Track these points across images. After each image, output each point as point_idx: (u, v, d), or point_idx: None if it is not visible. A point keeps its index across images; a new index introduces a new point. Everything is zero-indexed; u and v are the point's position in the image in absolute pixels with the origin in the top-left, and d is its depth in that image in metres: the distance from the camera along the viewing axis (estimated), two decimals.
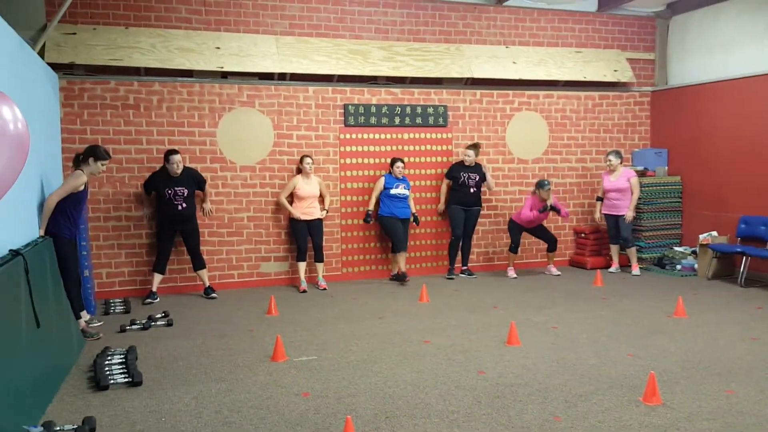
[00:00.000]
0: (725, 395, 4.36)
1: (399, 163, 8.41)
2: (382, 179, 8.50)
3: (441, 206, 8.93)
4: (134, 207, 7.74)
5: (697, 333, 5.90)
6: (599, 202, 9.18)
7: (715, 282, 8.32)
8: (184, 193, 7.36)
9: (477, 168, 8.64)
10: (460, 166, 8.65)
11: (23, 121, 3.36)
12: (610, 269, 9.12)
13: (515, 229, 8.82)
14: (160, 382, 4.78)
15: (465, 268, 8.88)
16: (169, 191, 7.31)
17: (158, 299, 7.45)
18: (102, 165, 6.03)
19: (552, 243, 8.93)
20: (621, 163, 8.98)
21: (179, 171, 7.32)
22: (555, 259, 9.17)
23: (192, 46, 7.92)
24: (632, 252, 8.97)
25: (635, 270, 8.88)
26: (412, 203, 8.65)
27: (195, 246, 7.59)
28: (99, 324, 6.37)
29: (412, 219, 8.62)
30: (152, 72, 7.84)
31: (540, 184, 8.59)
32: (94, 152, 5.97)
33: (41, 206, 5.56)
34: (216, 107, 8.04)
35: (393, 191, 8.38)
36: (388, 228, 8.47)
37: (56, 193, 5.63)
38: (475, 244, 9.18)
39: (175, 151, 7.36)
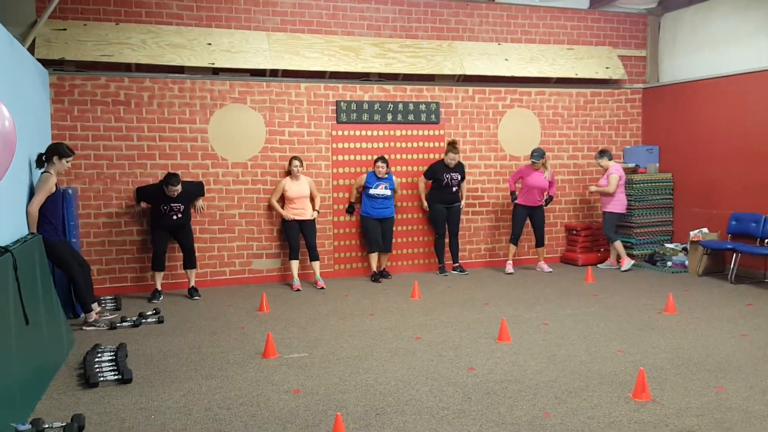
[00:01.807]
0: (715, 391, 4.38)
1: (379, 163, 8.26)
2: (365, 176, 8.45)
3: (426, 205, 8.83)
4: (125, 203, 7.72)
5: (687, 329, 5.93)
6: None
7: (705, 278, 8.36)
8: (180, 209, 7.34)
9: (458, 166, 8.60)
10: (442, 166, 8.56)
11: (10, 118, 3.34)
12: (600, 264, 9.16)
13: (520, 210, 8.80)
14: (150, 379, 4.77)
15: (456, 264, 8.87)
16: (165, 207, 7.29)
17: (162, 297, 7.44)
18: (67, 162, 5.98)
19: (539, 239, 8.96)
20: (609, 160, 8.94)
21: (175, 196, 7.27)
22: (546, 255, 9.19)
23: (183, 42, 7.89)
24: (614, 247, 8.95)
25: (622, 265, 8.85)
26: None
27: (189, 245, 7.58)
28: (112, 317, 6.48)
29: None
30: (143, 68, 7.81)
31: (532, 154, 8.76)
32: (58, 150, 5.90)
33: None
34: (207, 104, 8.01)
35: (372, 191, 8.31)
36: (363, 227, 8.52)
37: (36, 200, 5.61)
38: (467, 240, 9.20)
39: (176, 181, 7.16)
